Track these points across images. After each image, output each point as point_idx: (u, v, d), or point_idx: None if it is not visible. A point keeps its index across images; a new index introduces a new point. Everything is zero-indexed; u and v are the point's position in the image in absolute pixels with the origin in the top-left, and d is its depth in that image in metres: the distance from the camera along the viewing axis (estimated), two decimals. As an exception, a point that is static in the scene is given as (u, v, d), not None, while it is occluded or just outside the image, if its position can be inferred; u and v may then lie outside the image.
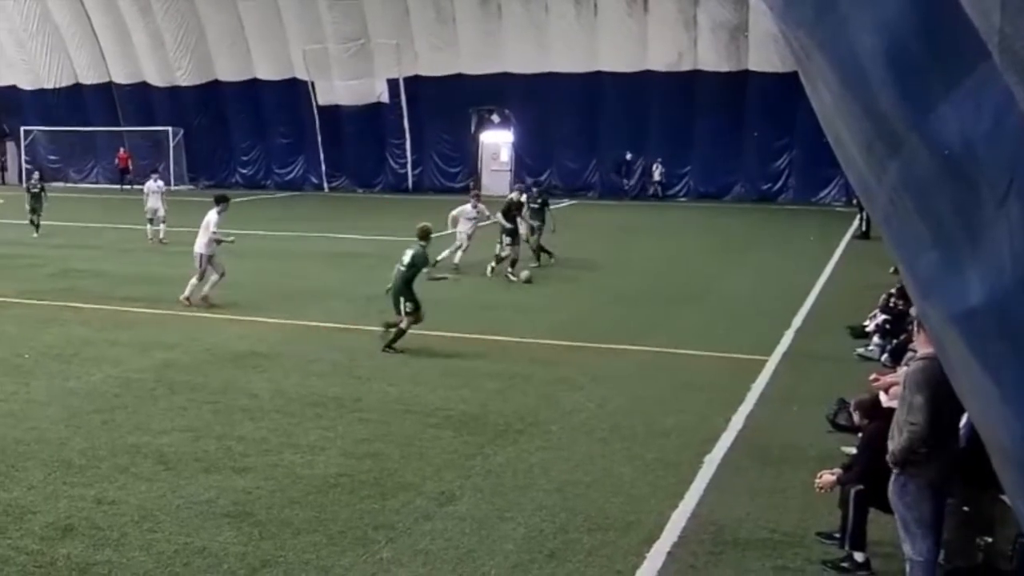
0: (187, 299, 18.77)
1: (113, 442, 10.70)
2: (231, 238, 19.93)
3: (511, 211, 23.51)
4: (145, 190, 29.59)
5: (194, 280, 19.08)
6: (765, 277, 23.32)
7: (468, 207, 24.55)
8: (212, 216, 19.26)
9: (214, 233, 19.08)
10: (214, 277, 19.14)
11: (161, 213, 28.68)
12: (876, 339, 14.89)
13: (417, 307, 15.40)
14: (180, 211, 37.18)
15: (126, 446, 10.56)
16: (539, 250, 24.56)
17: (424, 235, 15.97)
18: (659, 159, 45.48)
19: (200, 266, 18.99)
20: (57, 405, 12.15)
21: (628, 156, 45.73)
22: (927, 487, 6.80)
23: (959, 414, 6.70)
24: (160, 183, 29.77)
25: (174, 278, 21.98)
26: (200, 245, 19.07)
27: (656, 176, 45.61)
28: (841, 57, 3.59)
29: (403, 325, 15.31)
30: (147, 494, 9.18)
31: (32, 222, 30.03)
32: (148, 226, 28.78)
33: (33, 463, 10.03)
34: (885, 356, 14.08)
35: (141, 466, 9.95)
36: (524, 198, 24.91)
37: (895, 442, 6.80)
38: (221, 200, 19.78)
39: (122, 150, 53.24)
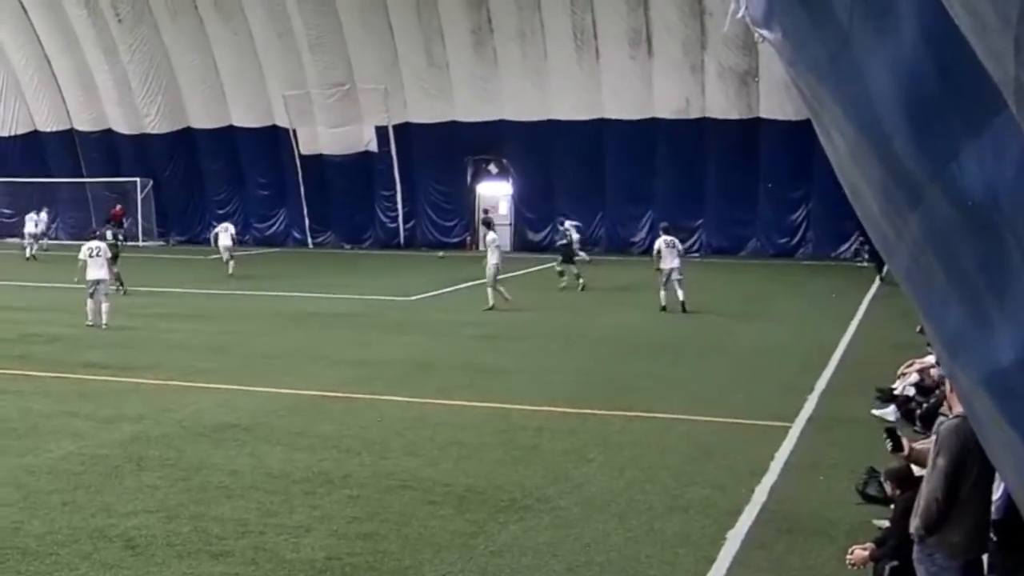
0: None
1: (74, 525, 10.62)
2: None
3: None
4: (218, 230, 39.02)
5: None
6: (785, 337, 23.43)
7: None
8: None
9: None
10: None
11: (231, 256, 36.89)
12: (893, 405, 15.22)
13: None
14: (147, 270, 37.31)
15: (89, 530, 10.48)
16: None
17: None
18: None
19: None
20: (10, 485, 12.03)
21: None
22: (952, 556, 6.87)
23: (990, 479, 6.80)
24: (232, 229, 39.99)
25: (136, 342, 22.08)
26: None
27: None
28: (855, 103, 3.69)
29: None
30: (115, 582, 9.15)
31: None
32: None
33: (-15, 550, 9.94)
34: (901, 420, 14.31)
35: (106, 552, 9.89)
36: None
37: (917, 510, 6.90)
38: None
39: (119, 207, 52.08)
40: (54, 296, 29.49)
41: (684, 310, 26.58)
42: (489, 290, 27.41)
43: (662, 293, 26.79)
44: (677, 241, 27.97)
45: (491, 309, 26.98)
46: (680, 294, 26.58)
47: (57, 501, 11.45)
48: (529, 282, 34.94)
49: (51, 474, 12.51)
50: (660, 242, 27.57)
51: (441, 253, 46.15)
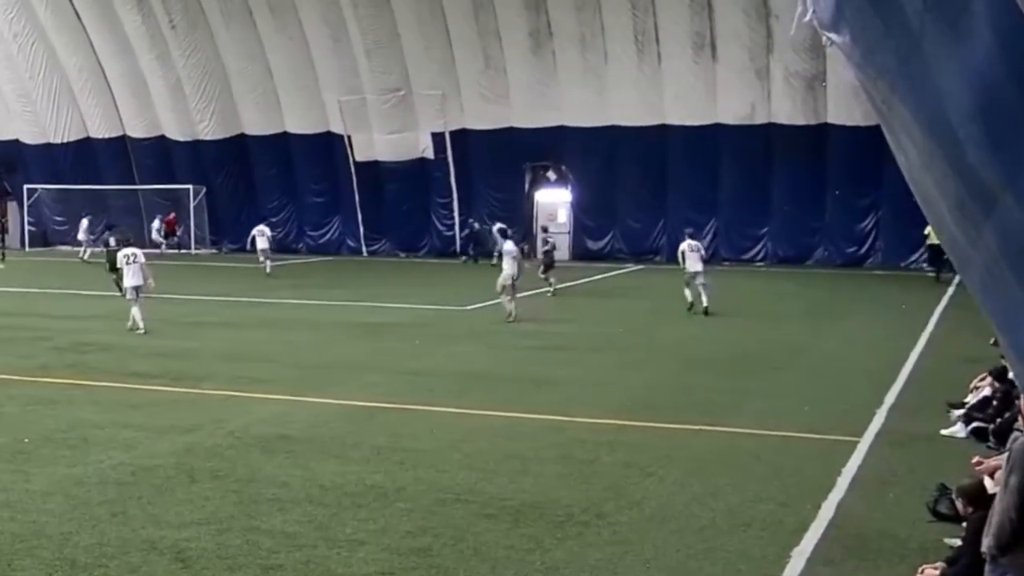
0: None
1: (124, 537, 10.72)
2: None
3: None
4: (254, 233, 42.74)
5: None
6: (853, 349, 23.27)
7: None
8: None
9: None
10: None
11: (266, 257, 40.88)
12: (960, 422, 15.06)
13: None
14: (199, 278, 37.65)
15: (139, 542, 10.58)
16: None
17: None
18: None
19: None
20: (61, 496, 12.16)
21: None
22: None
23: None
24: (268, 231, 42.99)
25: (187, 352, 22.30)
26: None
27: None
28: (926, 108, 3.66)
29: None
30: (166, 594, 9.23)
31: None
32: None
33: (33, 562, 10.02)
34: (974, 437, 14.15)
35: (156, 565, 9.97)
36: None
37: (990, 530, 6.82)
38: None
39: (172, 214, 53.87)
40: (106, 305, 29.86)
41: (706, 313, 27.84)
42: (505, 301, 27.54)
43: (686, 291, 28.72)
44: (700, 245, 29.81)
45: (513, 320, 27.03)
46: (704, 299, 28.11)
47: (106, 512, 11.55)
48: (587, 292, 34.96)
49: (101, 484, 12.63)
50: (684, 245, 29.39)
51: (463, 258, 46.53)
